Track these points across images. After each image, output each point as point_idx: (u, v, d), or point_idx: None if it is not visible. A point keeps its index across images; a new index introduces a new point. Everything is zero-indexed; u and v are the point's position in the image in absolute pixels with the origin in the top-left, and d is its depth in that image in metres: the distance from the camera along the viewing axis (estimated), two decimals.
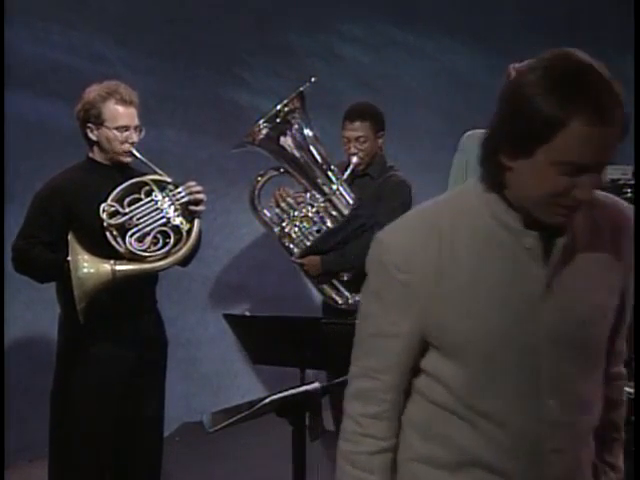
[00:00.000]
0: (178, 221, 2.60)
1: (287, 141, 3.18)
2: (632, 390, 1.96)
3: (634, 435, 1.88)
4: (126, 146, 2.63)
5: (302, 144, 3.20)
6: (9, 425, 3.56)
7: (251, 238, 4.17)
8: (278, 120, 3.14)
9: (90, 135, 2.65)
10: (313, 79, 3.18)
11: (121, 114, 2.63)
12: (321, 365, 2.78)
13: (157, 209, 2.60)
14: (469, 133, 3.13)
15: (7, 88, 3.64)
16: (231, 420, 1.90)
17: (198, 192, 2.63)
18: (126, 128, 2.63)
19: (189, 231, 2.62)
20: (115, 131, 2.62)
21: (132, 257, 2.56)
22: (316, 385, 2.02)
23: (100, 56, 3.89)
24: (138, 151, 2.64)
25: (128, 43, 3.97)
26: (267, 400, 1.94)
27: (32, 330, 3.59)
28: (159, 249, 2.58)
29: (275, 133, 3.15)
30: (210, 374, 4.15)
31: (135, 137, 2.65)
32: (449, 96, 4.63)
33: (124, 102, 2.63)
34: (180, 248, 2.61)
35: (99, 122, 2.62)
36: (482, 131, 3.26)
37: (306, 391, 2.01)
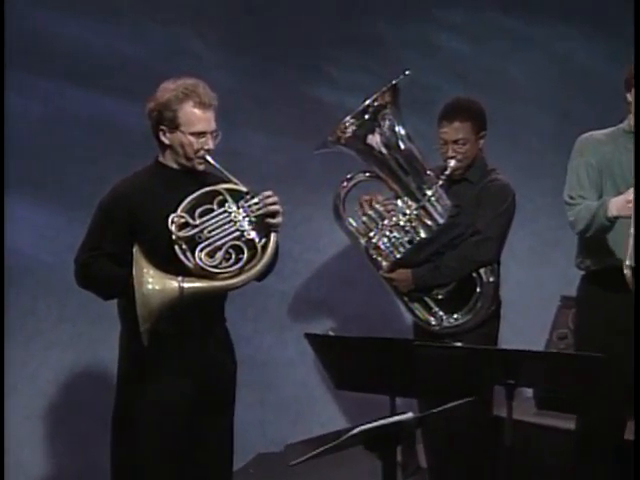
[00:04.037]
0: (253, 235, 2.59)
1: (376, 140, 3.17)
2: None
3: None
4: (201, 153, 2.64)
5: (393, 143, 3.19)
6: (74, 447, 3.67)
7: (335, 249, 4.16)
8: (367, 117, 3.14)
9: (162, 138, 2.67)
10: (407, 72, 3.16)
11: (198, 118, 2.62)
12: (413, 393, 2.78)
13: (230, 221, 2.59)
14: (585, 136, 3.10)
15: (72, 86, 3.75)
16: (314, 452, 1.90)
17: (274, 203, 2.62)
18: (203, 134, 2.64)
19: (264, 246, 2.61)
20: (190, 137, 2.63)
21: (202, 273, 2.56)
22: (409, 415, 2.00)
23: (172, 50, 3.95)
24: (213, 157, 2.66)
25: (202, 36, 4.03)
26: (355, 431, 1.93)
27: (99, 348, 3.67)
28: (231, 265, 2.58)
29: (363, 131, 3.15)
30: (288, 400, 4.15)
31: (211, 143, 2.65)
32: (562, 91, 4.51)
33: (202, 105, 2.63)
34: (254, 265, 2.60)
35: (173, 126, 2.63)
36: (599, 133, 3.23)
37: (398, 422, 1.99)
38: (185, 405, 2.66)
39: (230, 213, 2.60)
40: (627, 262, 2.76)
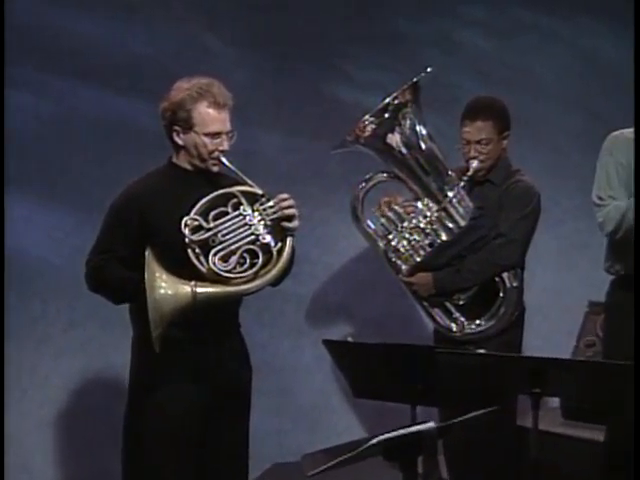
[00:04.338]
0: (268, 239, 2.60)
1: (396, 139, 3.16)
2: None
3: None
4: (216, 154, 2.66)
5: (414, 143, 3.18)
6: (85, 454, 3.68)
7: (354, 252, 4.16)
8: (386, 115, 3.13)
9: (176, 139, 2.69)
10: (429, 69, 3.16)
11: (213, 119, 2.64)
12: (434, 401, 2.75)
13: (245, 225, 2.60)
14: (615, 134, 3.09)
15: (84, 85, 3.77)
16: (332, 462, 1.89)
17: (290, 206, 2.63)
18: (217, 135, 2.65)
19: (280, 250, 2.62)
20: (205, 137, 2.65)
21: (215, 278, 2.57)
22: (431, 425, 1.99)
23: (185, 48, 3.97)
24: (227, 158, 2.67)
25: (217, 33, 4.04)
26: (374, 441, 1.92)
27: (111, 353, 3.68)
28: (246, 270, 2.58)
29: (382, 130, 3.15)
30: (305, 408, 4.15)
31: (226, 144, 2.67)
32: (589, 88, 4.50)
33: (217, 105, 2.64)
34: (269, 270, 2.61)
35: (187, 126, 2.65)
36: (630, 131, 3.22)
37: (419, 431, 1.98)
38: (199, 412, 2.67)
39: (245, 216, 2.60)
40: None
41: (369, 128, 3.14)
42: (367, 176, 3.29)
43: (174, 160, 2.74)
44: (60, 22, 3.77)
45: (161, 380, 2.66)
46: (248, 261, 2.60)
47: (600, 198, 3.01)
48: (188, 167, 2.72)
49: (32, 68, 3.69)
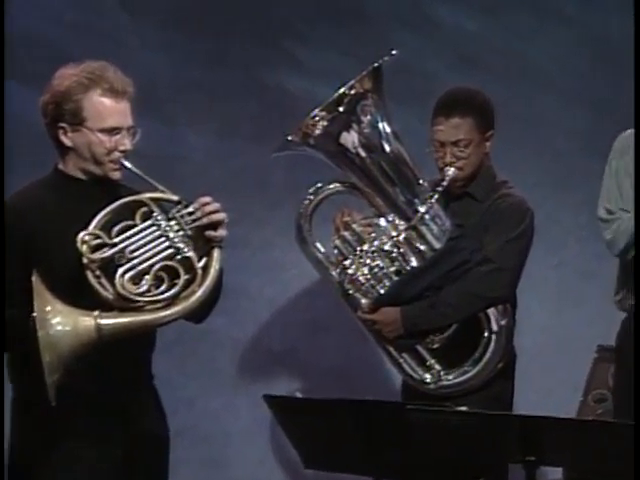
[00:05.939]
0: (190, 252, 2.61)
1: (353, 139, 3.18)
2: None
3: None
4: (115, 155, 2.66)
5: (375, 145, 3.21)
6: None
7: (303, 284, 4.17)
8: (341, 109, 3.15)
9: (63, 139, 2.69)
10: (394, 52, 3.17)
11: (110, 110, 2.65)
12: (404, 472, 2.74)
13: (161, 236, 2.61)
14: (626, 134, 3.18)
15: None
16: None
17: (215, 211, 2.63)
18: (116, 130, 2.66)
19: (206, 266, 2.62)
20: (100, 134, 2.65)
21: (124, 305, 2.57)
22: None
23: (91, 26, 3.97)
24: (131, 161, 2.66)
25: (131, 8, 4.04)
26: None
27: None
28: (164, 292, 2.58)
29: (335, 128, 3.17)
30: None
31: (128, 143, 2.68)
32: (598, 79, 4.55)
33: (114, 93, 2.66)
34: (193, 291, 2.60)
35: (77, 121, 2.65)
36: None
37: None
38: None
39: (159, 226, 2.61)
40: None
41: (319, 125, 3.16)
42: (315, 187, 3.30)
43: (61, 167, 2.73)
44: None
45: (50, 451, 2.63)
46: (166, 281, 2.60)
47: (609, 212, 3.06)
48: (80, 175, 2.71)
49: None
